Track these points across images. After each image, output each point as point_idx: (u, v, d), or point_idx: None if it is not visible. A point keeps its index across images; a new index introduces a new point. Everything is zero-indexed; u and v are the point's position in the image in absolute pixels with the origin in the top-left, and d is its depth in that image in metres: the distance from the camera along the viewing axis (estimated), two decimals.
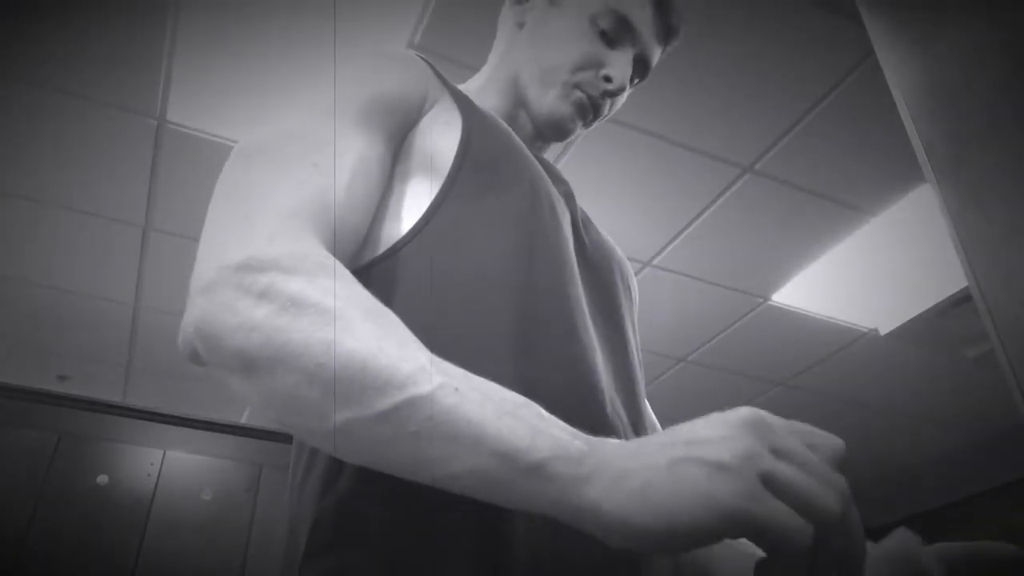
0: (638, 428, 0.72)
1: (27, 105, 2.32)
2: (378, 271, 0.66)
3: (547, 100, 0.87)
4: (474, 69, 2.21)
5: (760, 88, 2.25)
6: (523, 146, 0.80)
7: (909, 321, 3.22)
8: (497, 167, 0.73)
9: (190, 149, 2.49)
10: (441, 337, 0.55)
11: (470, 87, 0.94)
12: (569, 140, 0.92)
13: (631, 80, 0.91)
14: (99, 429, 3.74)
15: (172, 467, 3.74)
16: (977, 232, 1.20)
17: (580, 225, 0.83)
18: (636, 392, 0.75)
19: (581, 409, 0.61)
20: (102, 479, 3.58)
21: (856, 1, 1.55)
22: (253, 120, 2.39)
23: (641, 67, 0.91)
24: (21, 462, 3.47)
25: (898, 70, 1.41)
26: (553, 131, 0.88)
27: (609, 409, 0.66)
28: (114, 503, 3.55)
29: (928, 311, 3.15)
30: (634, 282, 0.91)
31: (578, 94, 0.87)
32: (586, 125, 0.90)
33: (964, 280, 1.24)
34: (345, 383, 0.46)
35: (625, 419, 0.69)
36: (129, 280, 3.13)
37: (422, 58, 0.81)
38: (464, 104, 0.77)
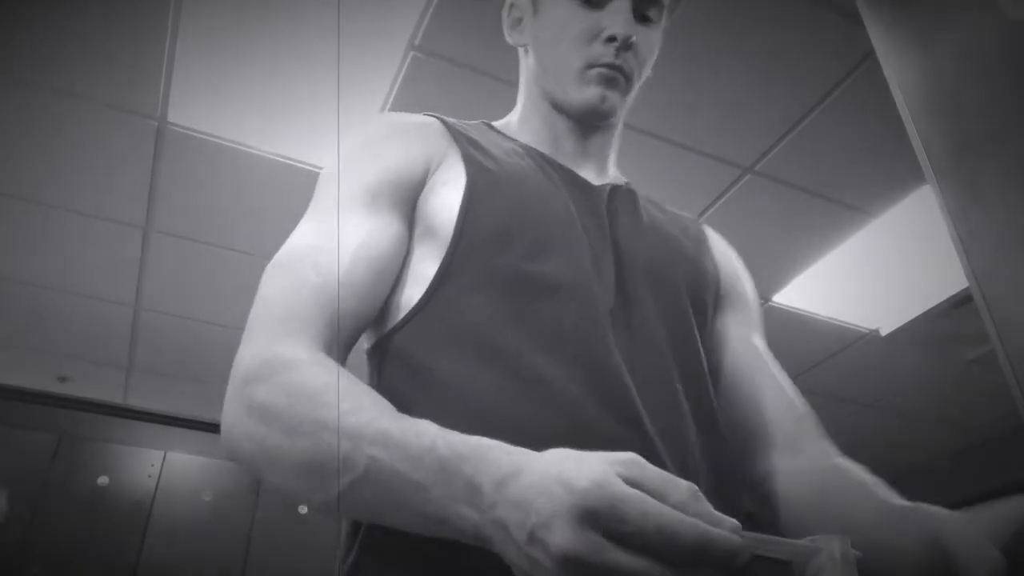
0: (679, 436, 0.69)
1: (28, 106, 2.32)
2: (399, 338, 0.72)
3: (570, 95, 0.86)
4: (474, 69, 2.21)
5: (760, 88, 2.25)
6: (536, 183, 0.80)
7: (910, 322, 3.22)
8: (498, 221, 0.74)
9: (191, 150, 2.49)
10: (456, 395, 0.65)
11: (512, 120, 0.94)
12: (610, 118, 0.89)
13: (646, 18, 0.89)
14: (100, 430, 3.74)
15: (173, 468, 3.74)
16: (977, 232, 1.20)
17: (610, 238, 0.80)
18: (676, 404, 0.72)
19: (594, 437, 0.62)
20: (102, 480, 3.58)
21: (856, 1, 1.55)
22: (253, 121, 2.39)
23: (647, 2, 0.88)
24: (22, 463, 3.47)
25: (898, 70, 1.41)
26: (593, 116, 0.87)
27: (633, 426, 0.66)
28: (115, 504, 3.54)
29: (929, 312, 3.15)
30: (697, 283, 0.85)
31: (592, 71, 0.85)
32: (623, 92, 0.88)
33: (964, 281, 1.24)
34: (309, 475, 0.57)
35: (661, 429, 0.68)
36: (130, 281, 3.13)
37: (435, 116, 0.85)
38: (470, 159, 0.79)
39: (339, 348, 0.69)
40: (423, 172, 0.78)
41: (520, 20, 0.94)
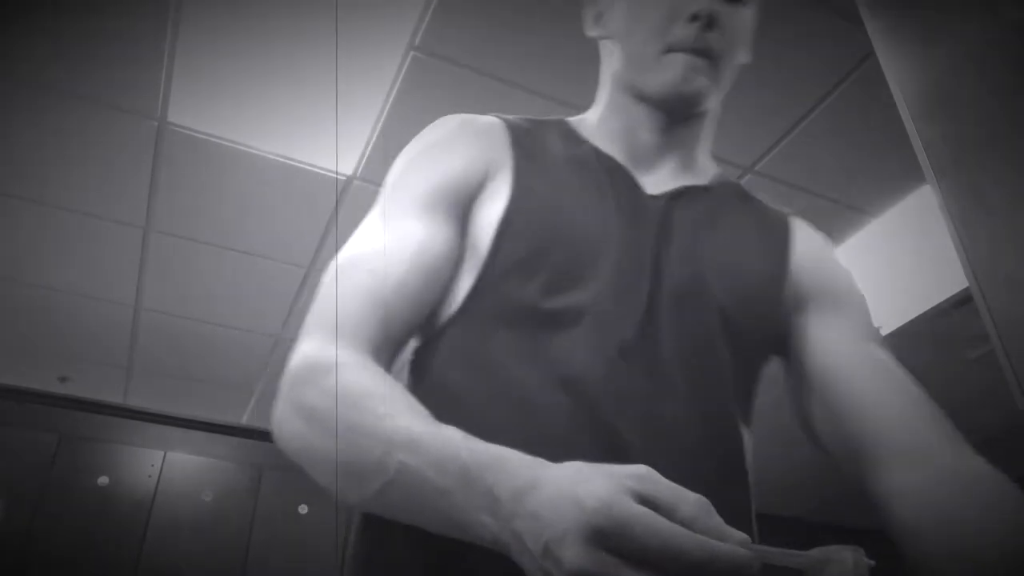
0: (683, 474, 0.67)
1: (28, 106, 2.32)
2: (435, 347, 0.75)
3: (652, 80, 0.81)
4: (474, 69, 2.21)
5: (760, 88, 2.25)
6: (582, 203, 0.77)
7: (910, 322, 3.22)
8: (527, 251, 0.73)
9: (191, 150, 2.49)
10: (463, 417, 0.64)
11: (590, 117, 0.90)
12: (700, 104, 0.83)
13: None
14: (100, 430, 3.75)
15: (173, 468, 3.75)
16: (977, 232, 1.20)
17: (651, 259, 0.76)
18: (684, 438, 0.70)
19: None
20: (103, 480, 3.59)
21: (856, 1, 1.55)
22: (253, 121, 2.39)
23: None
24: (22, 463, 3.48)
25: (898, 70, 1.41)
26: (677, 101, 0.82)
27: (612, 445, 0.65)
28: (115, 504, 3.55)
29: (929, 312, 3.15)
30: (750, 297, 0.79)
31: (671, 55, 0.80)
32: (710, 75, 0.82)
33: (964, 281, 1.24)
34: (348, 476, 0.60)
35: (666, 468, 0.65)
36: (130, 281, 3.13)
37: (501, 118, 0.84)
38: (520, 174, 0.78)
39: (386, 350, 0.71)
40: (482, 178, 0.78)
41: (601, 14, 0.90)
